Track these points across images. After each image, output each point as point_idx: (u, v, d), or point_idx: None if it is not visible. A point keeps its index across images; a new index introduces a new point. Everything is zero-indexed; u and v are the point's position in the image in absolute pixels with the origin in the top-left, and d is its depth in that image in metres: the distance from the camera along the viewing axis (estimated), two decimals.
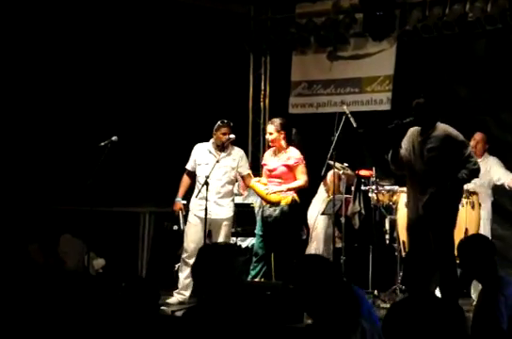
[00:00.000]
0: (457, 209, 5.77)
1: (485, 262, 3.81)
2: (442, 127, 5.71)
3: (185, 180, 6.74)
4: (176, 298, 6.50)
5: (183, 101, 8.52)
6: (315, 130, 7.97)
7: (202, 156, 6.65)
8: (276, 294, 4.43)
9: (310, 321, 2.81)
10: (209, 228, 6.53)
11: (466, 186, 6.65)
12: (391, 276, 6.12)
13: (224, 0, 8.67)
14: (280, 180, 6.57)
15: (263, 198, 6.57)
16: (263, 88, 9.05)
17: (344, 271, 6.55)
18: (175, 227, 7.41)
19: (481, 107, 7.74)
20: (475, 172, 5.68)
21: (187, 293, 6.49)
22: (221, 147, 6.59)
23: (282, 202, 6.45)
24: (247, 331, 3.10)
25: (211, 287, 3.24)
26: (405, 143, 5.79)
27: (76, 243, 7.50)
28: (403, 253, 6.35)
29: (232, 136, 6.59)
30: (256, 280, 6.41)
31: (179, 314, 5.56)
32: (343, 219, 6.85)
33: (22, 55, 7.88)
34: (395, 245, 6.73)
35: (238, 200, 7.10)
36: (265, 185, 6.57)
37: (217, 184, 6.56)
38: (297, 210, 6.63)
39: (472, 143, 7.07)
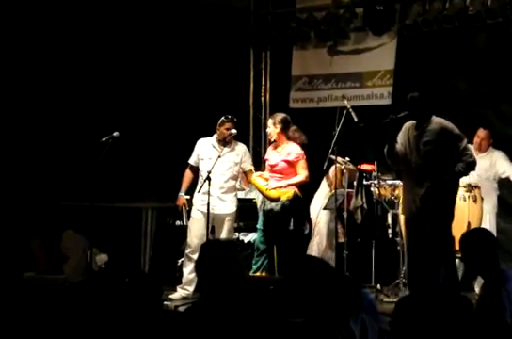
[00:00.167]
0: (454, 202, 5.78)
1: (487, 256, 3.81)
2: (438, 121, 5.71)
3: (188, 175, 6.75)
4: (179, 293, 6.51)
5: (184, 96, 8.52)
6: (316, 125, 7.96)
7: (206, 151, 6.65)
8: (278, 288, 4.45)
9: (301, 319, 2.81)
10: (212, 223, 6.54)
11: (468, 180, 6.68)
12: (393, 270, 6.14)
13: None
14: (281, 175, 6.58)
15: (263, 193, 6.57)
16: (263, 82, 9.04)
17: (347, 266, 6.57)
18: (177, 222, 7.43)
19: (481, 101, 7.75)
20: (472, 165, 5.69)
21: (191, 288, 6.50)
22: (223, 142, 6.60)
23: (284, 197, 6.45)
24: (249, 326, 3.12)
25: (214, 283, 3.25)
26: (400, 138, 5.80)
27: (79, 239, 7.51)
28: (405, 248, 6.35)
29: (234, 131, 6.59)
30: (258, 274, 6.43)
31: (182, 309, 5.57)
32: (345, 214, 6.87)
33: (23, 50, 7.89)
34: (398, 239, 6.74)
35: (240, 195, 7.11)
36: (267, 180, 6.58)
37: (221, 179, 6.56)
38: (299, 205, 6.64)
39: (476, 140, 7.11)
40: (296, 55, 8.64)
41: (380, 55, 8.07)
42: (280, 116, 6.68)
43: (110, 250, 7.70)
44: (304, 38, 8.42)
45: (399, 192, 6.72)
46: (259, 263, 6.49)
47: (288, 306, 2.71)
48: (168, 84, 8.50)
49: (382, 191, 6.78)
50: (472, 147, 6.17)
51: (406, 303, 3.56)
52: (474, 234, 4.00)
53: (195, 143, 6.81)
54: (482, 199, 6.72)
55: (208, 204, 6.33)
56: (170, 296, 6.40)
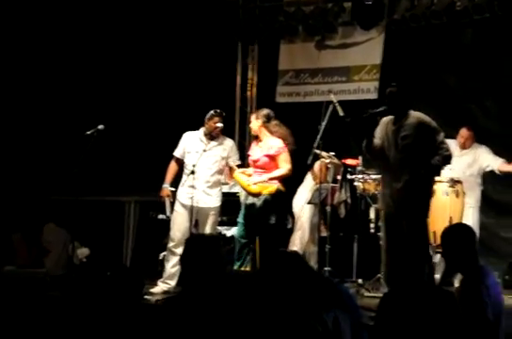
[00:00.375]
0: (431, 196, 5.81)
1: (466, 252, 3.79)
2: (415, 115, 5.74)
3: (173, 166, 6.71)
4: (161, 287, 6.47)
5: (169, 89, 8.48)
6: (302, 119, 7.94)
7: (193, 144, 6.61)
8: (259, 283, 4.42)
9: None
10: (196, 217, 6.50)
11: (451, 175, 6.68)
12: (375, 265, 6.12)
13: None
14: (263, 170, 6.54)
15: (244, 189, 6.54)
16: (250, 76, 9.01)
17: (329, 260, 6.55)
18: (160, 216, 7.39)
19: (467, 96, 7.78)
20: (448, 158, 5.72)
21: (173, 282, 6.47)
22: (211, 136, 6.56)
23: (265, 192, 6.41)
24: (230, 321, 3.10)
25: (197, 277, 3.24)
26: (378, 132, 5.81)
27: (60, 232, 7.45)
28: (383, 243, 6.34)
29: (220, 124, 6.55)
30: (242, 269, 6.40)
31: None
32: (328, 208, 6.84)
33: (5, 45, 7.81)
34: (380, 234, 6.72)
35: (224, 189, 7.08)
36: (250, 176, 6.54)
37: (207, 173, 6.53)
38: (281, 199, 6.60)
39: (459, 140, 7.15)
40: (284, 49, 8.62)
41: (368, 49, 8.07)
42: (262, 111, 6.68)
43: (92, 243, 7.66)
44: (292, 32, 8.40)
45: None
46: (242, 257, 6.45)
47: (263, 300, 2.69)
48: (155, 77, 8.46)
49: (366, 186, 6.77)
50: (450, 141, 6.19)
51: (390, 299, 3.54)
52: (454, 230, 3.97)
53: (179, 137, 6.76)
54: (464, 194, 6.74)
55: (192, 198, 6.28)
56: (151, 290, 6.36)
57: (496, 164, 7.10)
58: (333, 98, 6.80)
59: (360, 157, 6.80)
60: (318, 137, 6.46)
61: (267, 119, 6.58)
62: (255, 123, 6.60)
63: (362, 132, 5.74)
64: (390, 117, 5.82)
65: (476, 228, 6.79)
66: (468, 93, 7.76)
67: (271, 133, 6.59)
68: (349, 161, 7.01)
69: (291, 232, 7.29)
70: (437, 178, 6.58)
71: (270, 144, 6.53)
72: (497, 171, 7.11)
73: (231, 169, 6.71)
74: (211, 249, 3.30)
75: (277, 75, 8.64)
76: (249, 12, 8.72)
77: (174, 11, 8.36)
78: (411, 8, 7.58)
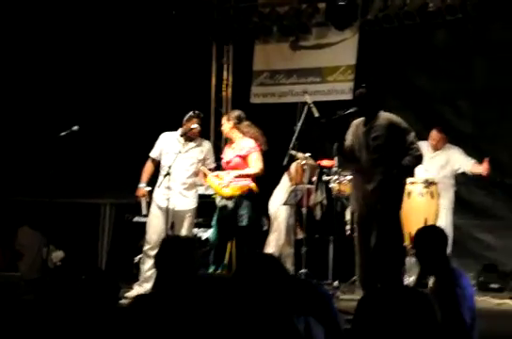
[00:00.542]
0: (402, 197, 5.77)
1: (437, 253, 3.79)
2: (385, 116, 5.72)
3: (148, 167, 6.66)
4: (136, 290, 6.42)
5: (144, 90, 8.42)
6: (277, 120, 7.95)
7: (170, 145, 6.57)
8: (233, 286, 4.41)
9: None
10: (172, 219, 6.47)
11: (426, 176, 6.72)
12: (351, 267, 6.13)
13: None
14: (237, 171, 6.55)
15: (217, 192, 6.52)
16: (225, 77, 9.00)
17: (305, 262, 6.55)
18: (136, 219, 7.34)
19: (440, 97, 7.83)
20: (419, 159, 5.69)
21: (149, 285, 6.41)
22: (187, 137, 6.53)
23: (238, 193, 6.39)
24: (199, 323, 3.09)
25: (169, 278, 3.22)
26: (349, 135, 5.81)
27: (35, 235, 7.36)
28: (357, 246, 6.35)
29: (195, 125, 6.52)
30: (218, 272, 6.38)
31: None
32: (304, 210, 6.84)
33: None
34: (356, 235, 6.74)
35: (200, 190, 7.05)
36: (221, 179, 6.52)
37: (184, 174, 6.51)
38: (255, 200, 6.58)
39: (431, 142, 7.17)
40: (258, 49, 8.62)
41: (342, 50, 8.10)
42: (233, 112, 6.68)
43: (67, 246, 7.59)
44: (266, 32, 8.41)
45: None
46: (217, 260, 6.43)
47: (236, 303, 2.69)
48: (129, 77, 8.40)
49: (342, 187, 6.79)
50: (421, 143, 6.19)
51: (367, 301, 3.54)
52: (426, 232, 3.97)
53: (154, 138, 6.72)
54: (439, 195, 6.78)
55: (168, 200, 6.26)
56: (127, 294, 6.30)
57: (468, 165, 7.12)
58: (308, 99, 6.80)
59: (336, 158, 6.81)
60: (294, 137, 6.46)
61: (239, 120, 6.56)
62: (227, 125, 6.59)
63: (334, 134, 5.73)
64: (361, 118, 5.80)
65: (450, 230, 6.85)
66: (441, 94, 7.82)
67: (243, 134, 6.57)
68: (325, 162, 7.02)
69: (267, 234, 7.29)
70: (412, 179, 6.62)
71: (242, 145, 6.52)
72: (469, 173, 7.14)
73: (203, 174, 6.67)
74: (185, 250, 3.27)
75: (251, 76, 8.64)
76: (224, 13, 8.70)
77: (149, 12, 8.32)
78: (384, 8, 7.62)
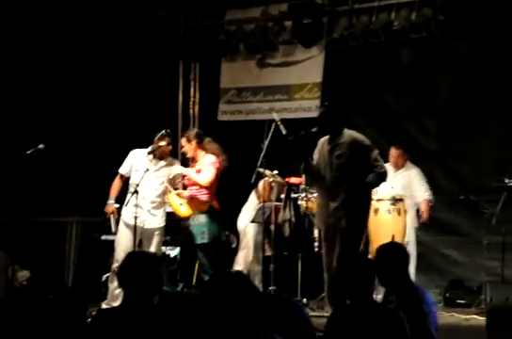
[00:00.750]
0: (368, 214, 5.78)
1: (398, 270, 3.78)
2: (349, 134, 5.73)
3: (117, 183, 6.63)
4: None
5: (110, 107, 8.37)
6: (245, 137, 7.97)
7: (140, 162, 6.55)
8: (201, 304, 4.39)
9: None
10: (140, 237, 6.45)
11: (393, 193, 6.77)
12: (320, 284, 6.14)
13: (153, 6, 8.60)
14: (197, 187, 6.60)
15: (175, 212, 6.58)
16: (192, 94, 9.01)
17: (274, 279, 6.54)
18: (103, 237, 7.28)
19: (405, 114, 7.92)
20: (383, 176, 5.70)
21: (116, 304, 6.35)
22: (156, 155, 6.53)
23: (198, 212, 6.48)
24: None
25: (132, 293, 3.21)
26: (316, 153, 5.83)
27: None
28: (324, 263, 6.36)
29: (163, 143, 6.52)
30: (185, 290, 6.37)
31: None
32: (272, 227, 6.84)
33: None
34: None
35: (168, 208, 7.03)
36: (182, 197, 6.59)
37: (153, 193, 6.51)
38: (216, 217, 6.64)
39: (391, 159, 7.24)
40: (225, 67, 8.66)
41: (308, 68, 8.16)
42: (192, 132, 6.83)
43: (33, 265, 7.48)
44: (233, 50, 8.44)
45: None
46: (185, 278, 6.44)
47: (203, 321, 2.68)
48: (95, 95, 8.35)
49: (309, 204, 6.82)
50: (385, 164, 6.21)
51: (337, 318, 3.54)
52: (387, 249, 3.92)
53: (120, 155, 6.70)
54: (406, 212, 6.83)
55: (136, 218, 6.23)
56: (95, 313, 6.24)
57: (421, 197, 7.24)
58: (276, 116, 6.82)
59: (304, 176, 6.83)
60: (261, 155, 6.47)
61: (200, 139, 6.69)
62: (189, 146, 6.66)
63: (301, 151, 5.74)
64: (326, 137, 5.82)
65: (413, 246, 6.93)
66: (406, 111, 7.91)
67: (206, 151, 6.67)
68: (293, 180, 7.05)
69: (236, 251, 7.28)
70: (379, 196, 6.68)
71: (204, 161, 6.61)
72: (417, 203, 7.25)
73: (168, 191, 6.68)
74: (149, 266, 3.26)
75: (219, 93, 8.67)
76: (191, 30, 8.73)
77: (116, 29, 8.30)
78: (350, 26, 7.70)
